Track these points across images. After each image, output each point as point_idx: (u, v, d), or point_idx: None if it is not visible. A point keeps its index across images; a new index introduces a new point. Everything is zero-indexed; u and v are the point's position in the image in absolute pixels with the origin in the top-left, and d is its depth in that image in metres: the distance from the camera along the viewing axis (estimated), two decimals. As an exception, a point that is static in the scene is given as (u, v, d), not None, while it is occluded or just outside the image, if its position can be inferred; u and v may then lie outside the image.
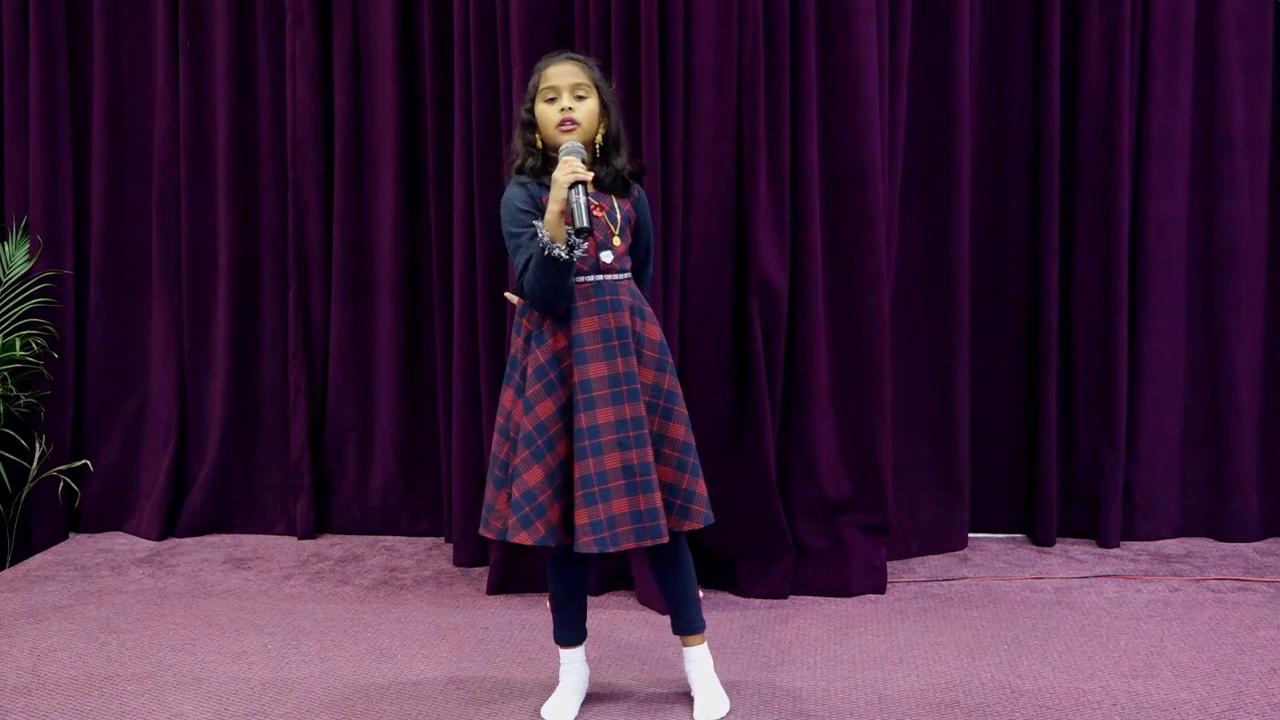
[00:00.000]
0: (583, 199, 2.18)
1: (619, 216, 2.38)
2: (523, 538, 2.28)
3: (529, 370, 2.32)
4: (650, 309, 2.42)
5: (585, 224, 2.16)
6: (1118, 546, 3.60)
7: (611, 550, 2.26)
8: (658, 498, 2.28)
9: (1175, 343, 3.62)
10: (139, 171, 3.90)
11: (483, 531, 2.40)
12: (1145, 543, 3.64)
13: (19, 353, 3.72)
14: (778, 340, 3.15)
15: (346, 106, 3.73)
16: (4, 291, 3.82)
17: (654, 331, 2.38)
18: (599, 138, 2.37)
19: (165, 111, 3.82)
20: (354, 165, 3.75)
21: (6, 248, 3.86)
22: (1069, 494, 3.67)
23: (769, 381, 3.14)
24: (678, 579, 2.44)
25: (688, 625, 2.45)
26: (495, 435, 2.39)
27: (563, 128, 2.32)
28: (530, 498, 2.28)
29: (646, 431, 2.29)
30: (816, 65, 3.17)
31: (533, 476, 2.28)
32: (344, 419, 3.84)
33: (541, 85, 2.35)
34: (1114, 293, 3.54)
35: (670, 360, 2.40)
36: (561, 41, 3.18)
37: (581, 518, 2.25)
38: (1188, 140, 3.58)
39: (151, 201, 3.87)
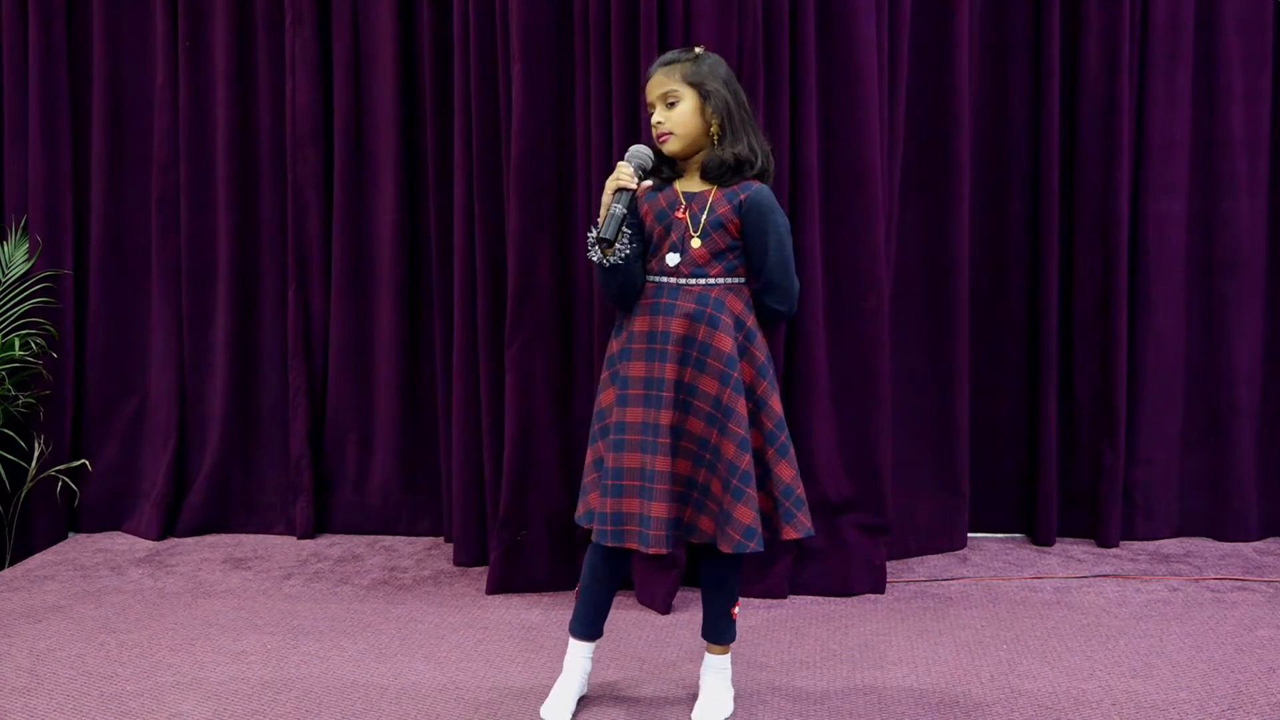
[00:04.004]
0: (619, 210, 2.18)
1: (705, 218, 2.29)
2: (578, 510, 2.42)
3: (607, 358, 2.41)
4: (730, 319, 2.27)
5: (608, 236, 2.18)
6: (1117, 546, 3.60)
7: (609, 545, 2.28)
8: (661, 508, 2.25)
9: (1175, 342, 3.63)
10: (139, 171, 3.89)
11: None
12: (1145, 542, 3.64)
13: (18, 353, 3.72)
14: (778, 340, 3.15)
15: (346, 106, 3.72)
16: (3, 291, 3.82)
17: (723, 342, 2.26)
18: (713, 131, 2.30)
19: (165, 111, 3.82)
20: (354, 165, 3.75)
21: (6, 248, 3.85)
22: (1069, 494, 3.68)
23: (769, 381, 3.14)
24: (717, 590, 2.45)
25: (715, 636, 2.48)
26: None
27: (659, 143, 2.32)
28: (582, 478, 2.40)
29: (667, 440, 2.26)
30: (816, 65, 3.17)
31: (587, 458, 2.40)
32: (344, 419, 3.84)
33: (646, 100, 2.37)
34: (1114, 292, 3.54)
35: (738, 375, 2.26)
36: (561, 41, 3.19)
37: (594, 504, 2.32)
38: (1187, 140, 3.58)
39: (151, 201, 3.87)
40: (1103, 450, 3.59)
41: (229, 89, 3.77)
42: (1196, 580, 3.30)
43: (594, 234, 2.23)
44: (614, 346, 2.38)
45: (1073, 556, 3.53)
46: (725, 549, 2.27)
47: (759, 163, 2.32)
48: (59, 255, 3.88)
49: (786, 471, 2.32)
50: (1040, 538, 3.64)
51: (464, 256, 3.37)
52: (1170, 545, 3.63)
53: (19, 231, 3.87)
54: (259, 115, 3.79)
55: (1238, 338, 3.62)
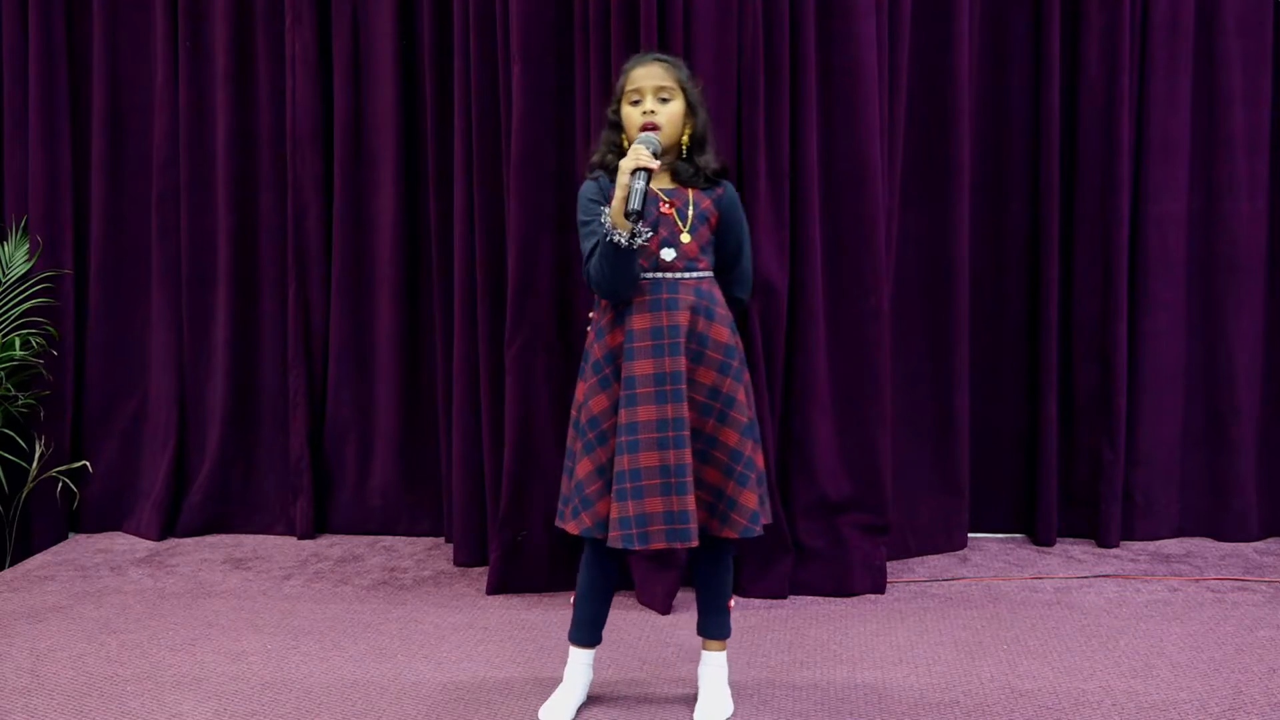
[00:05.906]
0: (641, 185, 2.17)
1: (691, 213, 2.35)
2: (570, 526, 2.33)
3: (589, 364, 2.35)
4: (723, 310, 2.36)
5: (636, 207, 2.16)
6: (1117, 546, 3.60)
7: (638, 548, 2.25)
8: (691, 500, 2.26)
9: (1175, 343, 3.63)
10: (139, 171, 3.90)
11: (558, 523, 2.40)
12: (1145, 543, 3.64)
13: (18, 352, 3.72)
14: (778, 340, 3.15)
15: (346, 106, 3.72)
16: (3, 291, 3.82)
17: (720, 333, 2.33)
18: (685, 138, 2.36)
19: (165, 111, 3.82)
20: (354, 165, 3.75)
21: (6, 248, 3.85)
22: (1069, 494, 3.68)
23: (768, 381, 3.14)
24: (711, 584, 2.45)
25: (712, 631, 2.47)
26: (570, 428, 2.41)
27: (645, 131, 2.33)
28: (579, 489, 2.32)
29: (687, 433, 2.27)
30: (816, 65, 3.17)
31: (583, 468, 2.32)
32: (344, 419, 3.84)
33: (627, 88, 2.36)
34: (1114, 293, 3.54)
35: (736, 364, 2.34)
36: (561, 41, 3.19)
37: (614, 512, 2.26)
38: (1188, 140, 3.58)
39: (151, 201, 3.87)
40: (1103, 450, 3.59)
41: (229, 89, 3.77)
42: (1197, 580, 3.30)
43: (606, 216, 2.20)
44: (598, 351, 2.34)
45: (1073, 557, 3.53)
46: (732, 534, 2.32)
47: (725, 174, 2.44)
48: (59, 255, 3.88)
49: (761, 460, 2.41)
50: (1040, 538, 3.64)
51: (464, 256, 3.37)
52: (1170, 545, 3.63)
53: (19, 231, 3.87)
54: (259, 115, 3.79)
55: (1238, 338, 3.61)
